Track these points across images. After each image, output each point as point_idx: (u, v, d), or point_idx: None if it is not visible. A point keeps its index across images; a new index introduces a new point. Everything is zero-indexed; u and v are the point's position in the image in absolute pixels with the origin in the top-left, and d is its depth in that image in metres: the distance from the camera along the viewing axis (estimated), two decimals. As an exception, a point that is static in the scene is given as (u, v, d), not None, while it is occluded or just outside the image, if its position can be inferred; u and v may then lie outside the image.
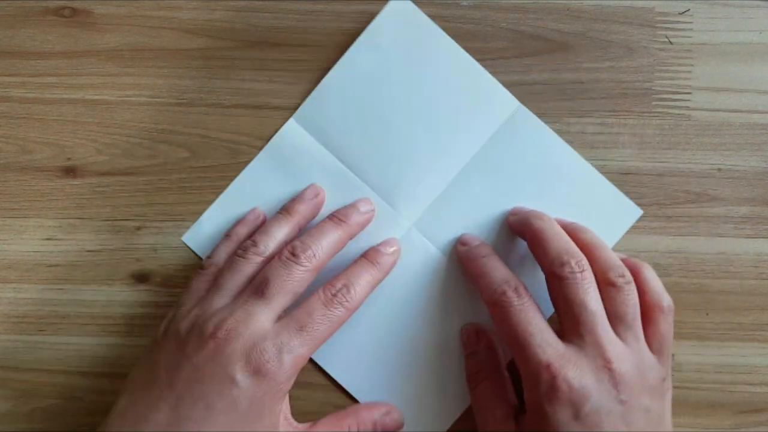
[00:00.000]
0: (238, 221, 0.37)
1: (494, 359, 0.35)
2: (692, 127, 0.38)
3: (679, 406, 0.36)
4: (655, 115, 0.38)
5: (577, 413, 0.29)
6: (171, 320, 0.32)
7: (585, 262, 0.32)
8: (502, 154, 0.37)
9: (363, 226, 0.36)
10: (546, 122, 0.38)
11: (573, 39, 0.38)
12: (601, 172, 0.38)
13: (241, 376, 0.29)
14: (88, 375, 0.37)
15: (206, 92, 0.38)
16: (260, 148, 0.38)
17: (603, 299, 0.32)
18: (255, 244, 0.34)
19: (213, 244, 0.37)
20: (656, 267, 0.37)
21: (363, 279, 0.33)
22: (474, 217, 0.37)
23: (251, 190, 0.37)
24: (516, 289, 0.32)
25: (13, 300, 0.37)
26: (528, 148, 0.37)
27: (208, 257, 0.35)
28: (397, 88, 0.37)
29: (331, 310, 0.32)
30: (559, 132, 0.38)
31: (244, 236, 0.36)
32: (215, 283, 0.33)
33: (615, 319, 0.32)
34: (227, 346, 0.30)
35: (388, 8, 0.37)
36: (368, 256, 0.35)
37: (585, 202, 0.37)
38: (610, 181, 0.37)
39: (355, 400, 0.36)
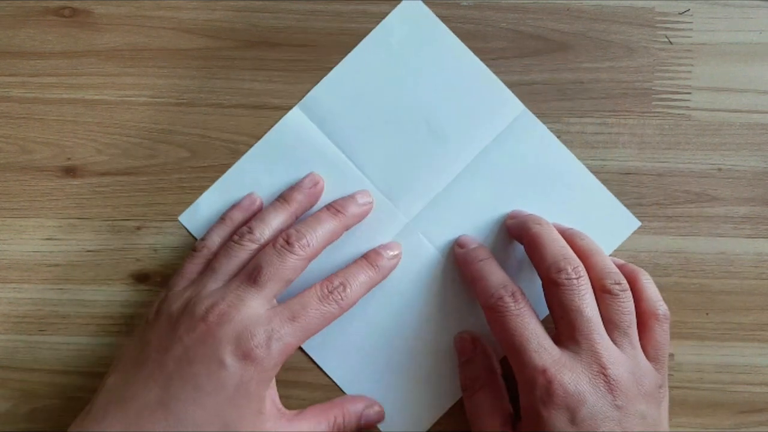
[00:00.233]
0: (234, 205, 0.37)
1: (490, 367, 0.35)
2: (692, 127, 0.38)
3: (679, 406, 0.36)
4: (655, 115, 0.38)
5: (573, 418, 0.29)
6: (163, 301, 0.33)
7: (581, 268, 0.32)
8: (504, 157, 0.37)
9: (360, 218, 0.36)
10: (546, 122, 0.38)
11: (573, 39, 0.38)
12: (601, 172, 0.38)
13: (231, 360, 0.30)
14: (88, 375, 0.37)
15: (206, 92, 0.38)
16: (260, 148, 0.38)
17: (599, 306, 0.32)
18: (251, 231, 0.34)
19: (209, 226, 0.37)
20: (656, 267, 0.37)
21: (360, 279, 0.34)
22: (472, 217, 0.37)
23: (251, 175, 0.37)
24: (513, 294, 0.32)
25: (13, 300, 0.37)
26: (530, 153, 0.37)
27: (201, 240, 0.36)
28: (404, 85, 0.37)
29: (325, 306, 0.32)
30: (559, 132, 0.38)
31: (238, 221, 0.36)
32: (209, 266, 0.34)
33: (610, 325, 0.32)
34: (218, 329, 0.30)
35: (400, 7, 0.38)
36: (369, 257, 0.35)
37: (584, 209, 0.37)
38: (610, 181, 0.37)
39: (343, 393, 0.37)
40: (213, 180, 0.38)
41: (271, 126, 0.38)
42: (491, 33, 0.38)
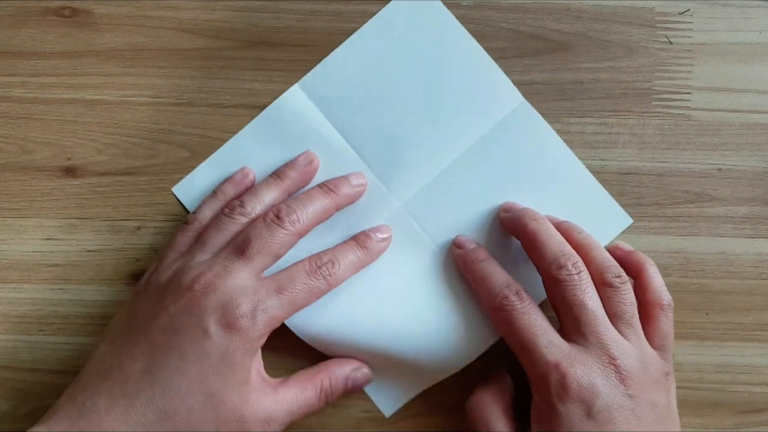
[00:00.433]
0: (227, 179, 0.37)
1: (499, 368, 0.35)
2: (692, 127, 0.38)
3: (679, 406, 0.36)
4: (655, 115, 0.38)
5: (588, 411, 0.29)
6: (153, 272, 0.33)
7: (581, 263, 0.32)
8: (499, 147, 0.37)
9: (352, 198, 0.36)
10: (546, 122, 0.38)
11: (573, 39, 0.38)
12: (601, 172, 0.38)
13: (215, 329, 0.30)
14: (88, 375, 0.37)
15: (206, 92, 0.38)
16: (260, 148, 0.38)
17: (601, 299, 0.32)
18: (242, 205, 0.34)
19: (202, 199, 0.37)
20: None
21: (349, 258, 0.34)
22: (464, 205, 0.37)
23: (247, 150, 0.37)
24: (518, 293, 0.33)
25: (13, 300, 0.37)
26: (526, 144, 0.37)
27: (193, 213, 0.36)
28: (404, 69, 0.37)
29: (312, 280, 0.32)
30: (559, 132, 0.38)
31: (231, 195, 0.36)
32: (199, 239, 0.34)
33: (614, 317, 0.32)
34: (204, 298, 0.30)
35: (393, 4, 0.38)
36: (358, 239, 0.35)
37: (576, 204, 0.37)
38: (610, 181, 0.37)
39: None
40: (213, 180, 0.38)
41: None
42: (491, 33, 0.38)
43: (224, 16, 0.39)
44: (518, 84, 0.38)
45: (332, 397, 0.34)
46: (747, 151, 0.38)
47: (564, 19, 0.39)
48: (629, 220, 0.37)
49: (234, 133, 0.38)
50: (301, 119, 0.37)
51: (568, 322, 0.32)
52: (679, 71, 0.38)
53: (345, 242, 0.35)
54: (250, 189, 0.36)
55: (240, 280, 0.31)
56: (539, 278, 0.34)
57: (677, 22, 0.39)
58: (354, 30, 0.38)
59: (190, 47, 0.38)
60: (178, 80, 0.38)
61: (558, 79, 0.38)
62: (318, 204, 0.34)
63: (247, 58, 0.38)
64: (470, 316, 0.35)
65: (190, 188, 0.37)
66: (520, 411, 0.33)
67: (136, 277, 0.37)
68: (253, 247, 0.32)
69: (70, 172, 0.38)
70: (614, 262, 0.33)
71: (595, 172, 0.37)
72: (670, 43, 0.38)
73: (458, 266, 0.36)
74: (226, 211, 0.34)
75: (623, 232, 0.37)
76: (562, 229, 0.35)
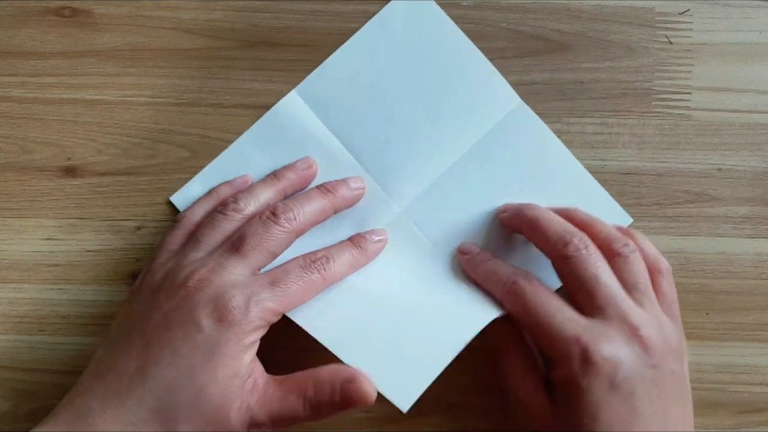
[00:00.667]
0: (224, 182, 0.37)
1: (515, 329, 0.34)
2: (692, 127, 0.38)
3: (679, 406, 0.36)
4: (655, 115, 0.38)
5: (612, 383, 0.29)
6: (146, 273, 0.33)
7: (587, 238, 0.32)
8: (498, 149, 0.37)
9: (350, 201, 0.36)
10: (546, 122, 0.38)
11: (573, 39, 0.38)
12: (601, 172, 0.38)
13: (207, 322, 0.29)
14: (88, 375, 0.37)
15: (206, 92, 0.38)
16: (260, 148, 0.38)
17: (612, 271, 0.32)
18: (236, 201, 0.34)
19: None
20: (656, 267, 0.37)
21: (344, 256, 0.34)
22: (465, 208, 0.37)
23: (245, 158, 0.37)
24: (526, 276, 0.33)
25: (13, 300, 0.37)
26: (524, 146, 0.37)
27: (184, 212, 0.35)
28: (402, 74, 0.37)
29: (307, 273, 0.32)
30: (559, 132, 0.38)
31: (224, 195, 0.36)
32: (192, 236, 0.33)
33: (628, 287, 0.32)
34: (197, 293, 0.30)
35: (392, 5, 0.38)
36: (353, 240, 0.35)
37: (576, 204, 0.37)
38: (610, 181, 0.37)
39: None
40: (213, 180, 0.38)
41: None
42: (491, 33, 0.38)
43: (224, 16, 0.39)
44: (518, 84, 0.38)
45: (318, 407, 0.30)
46: (747, 151, 0.38)
47: (564, 19, 0.39)
48: (629, 220, 0.37)
49: (234, 133, 0.38)
50: (299, 125, 0.37)
51: (584, 298, 0.31)
52: (679, 71, 0.38)
53: (340, 242, 0.35)
54: (245, 188, 0.36)
55: (234, 276, 0.31)
56: (546, 276, 0.34)
57: (677, 22, 0.39)
58: (354, 30, 0.38)
59: (190, 47, 0.38)
60: (178, 80, 0.38)
61: (558, 79, 0.38)
62: (315, 204, 0.34)
63: (247, 58, 0.38)
64: (474, 295, 0.35)
65: (187, 197, 0.37)
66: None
67: (136, 277, 0.37)
68: (248, 244, 0.32)
69: (70, 172, 0.38)
70: (619, 234, 0.33)
71: (595, 172, 0.37)
72: (670, 43, 0.38)
73: (466, 272, 0.36)
74: (220, 208, 0.34)
75: (623, 232, 0.37)
76: (562, 215, 0.34)
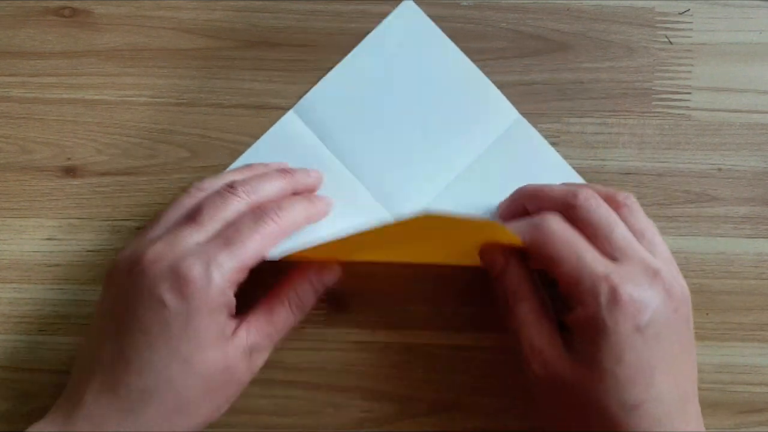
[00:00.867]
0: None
1: (529, 275, 0.33)
2: (692, 127, 0.38)
3: (679, 406, 0.36)
4: (655, 115, 0.38)
5: (638, 325, 0.29)
6: (111, 261, 0.33)
7: (592, 191, 0.32)
8: (497, 164, 0.37)
9: (308, 186, 0.35)
10: (546, 122, 0.38)
11: (573, 39, 0.38)
12: (601, 172, 0.38)
13: (169, 296, 0.29)
14: (88, 375, 0.37)
15: (206, 92, 0.38)
16: (260, 148, 0.38)
17: None
18: (200, 182, 0.34)
19: None
20: (656, 267, 0.37)
21: (295, 205, 0.33)
22: None
23: None
24: (554, 215, 0.32)
25: (13, 300, 0.37)
26: (524, 160, 0.37)
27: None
28: (399, 91, 0.37)
29: (259, 224, 0.31)
30: (559, 132, 0.38)
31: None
32: (154, 217, 0.33)
33: (637, 236, 0.32)
34: (153, 267, 0.29)
35: (397, 12, 0.38)
36: (304, 195, 0.35)
37: None
38: (610, 181, 0.37)
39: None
40: (213, 180, 0.38)
41: (271, 126, 0.38)
42: (491, 33, 0.38)
43: (224, 16, 0.39)
44: (518, 84, 0.38)
45: (305, 306, 0.33)
46: (747, 151, 0.38)
47: (564, 19, 0.39)
48: None
49: (234, 132, 0.38)
50: (298, 145, 0.37)
51: (601, 243, 0.31)
52: (679, 71, 0.38)
53: (291, 197, 0.34)
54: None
55: (189, 244, 0.30)
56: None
57: (677, 22, 0.39)
58: (354, 30, 0.38)
59: (190, 47, 0.38)
60: (178, 80, 0.38)
61: (558, 79, 0.38)
62: (274, 182, 0.33)
63: (247, 58, 0.38)
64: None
65: None
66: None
67: (136, 277, 0.37)
68: (204, 214, 0.31)
69: (70, 172, 0.38)
70: (614, 189, 0.33)
71: (595, 172, 0.38)
72: (670, 43, 0.38)
73: (501, 217, 0.35)
74: (186, 190, 0.34)
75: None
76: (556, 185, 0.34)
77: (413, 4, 0.38)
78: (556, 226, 0.31)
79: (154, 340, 0.29)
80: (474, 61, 0.38)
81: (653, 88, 0.38)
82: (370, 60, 0.38)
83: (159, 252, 0.30)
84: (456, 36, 0.38)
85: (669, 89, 0.38)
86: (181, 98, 0.38)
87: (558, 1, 0.39)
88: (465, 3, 0.39)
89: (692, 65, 0.38)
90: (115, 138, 0.38)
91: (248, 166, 0.36)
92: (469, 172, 0.37)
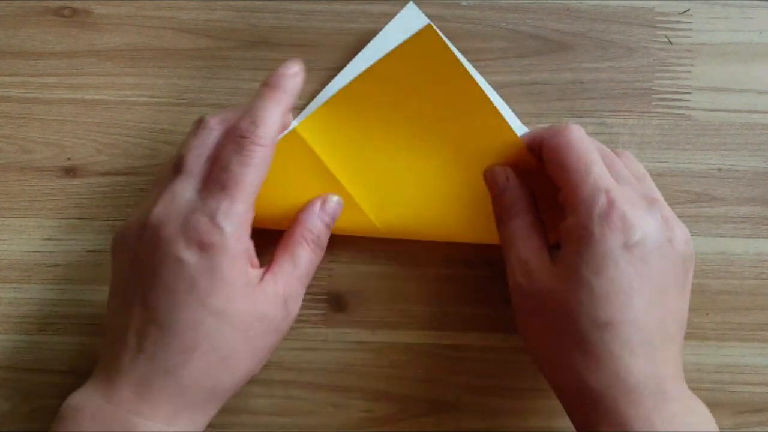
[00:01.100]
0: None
1: (527, 194, 0.34)
2: (692, 127, 0.38)
3: (679, 406, 0.36)
4: (655, 115, 0.38)
5: (626, 242, 0.29)
6: (116, 231, 0.32)
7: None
8: None
9: (289, 91, 0.32)
10: (546, 122, 0.38)
11: (573, 39, 0.38)
12: (601, 172, 0.38)
13: (188, 254, 0.28)
14: (88, 375, 0.36)
15: (206, 92, 0.38)
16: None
17: None
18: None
19: None
20: (656, 267, 0.37)
21: (269, 109, 0.30)
22: None
23: None
24: (578, 126, 0.32)
25: (13, 300, 0.37)
26: None
27: None
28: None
29: (246, 156, 0.29)
30: (559, 132, 0.38)
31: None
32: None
33: (637, 178, 0.33)
34: (161, 230, 0.29)
35: (399, 17, 0.37)
36: (269, 82, 0.31)
37: None
38: (610, 181, 0.38)
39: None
40: (213, 180, 0.38)
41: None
42: (491, 33, 0.38)
43: (224, 16, 0.39)
44: (518, 84, 0.38)
45: (321, 241, 0.33)
46: (747, 151, 0.38)
47: (564, 19, 0.39)
48: None
49: (234, 133, 0.38)
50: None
51: (608, 167, 0.32)
52: (679, 71, 0.38)
53: (257, 93, 0.31)
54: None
55: (184, 198, 0.29)
56: None
57: (677, 22, 0.39)
58: (354, 30, 0.38)
59: (190, 47, 0.38)
60: (178, 80, 0.38)
61: (558, 79, 0.38)
62: (240, 107, 0.32)
63: (247, 58, 0.38)
64: None
65: None
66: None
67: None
68: (186, 160, 0.30)
69: (70, 172, 0.38)
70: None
71: (595, 172, 0.38)
72: (670, 43, 0.38)
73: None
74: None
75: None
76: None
77: (415, 6, 0.38)
78: (577, 134, 0.31)
79: (182, 298, 0.29)
80: (474, 61, 0.38)
81: (653, 88, 0.38)
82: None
83: (161, 214, 0.29)
84: (456, 36, 0.38)
85: (669, 89, 0.38)
86: (181, 98, 0.38)
87: (558, 1, 0.39)
88: (465, 3, 0.39)
89: (692, 65, 0.38)
90: (115, 138, 0.38)
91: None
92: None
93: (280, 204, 0.34)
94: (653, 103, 0.38)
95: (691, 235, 0.37)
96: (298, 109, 0.38)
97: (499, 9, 0.39)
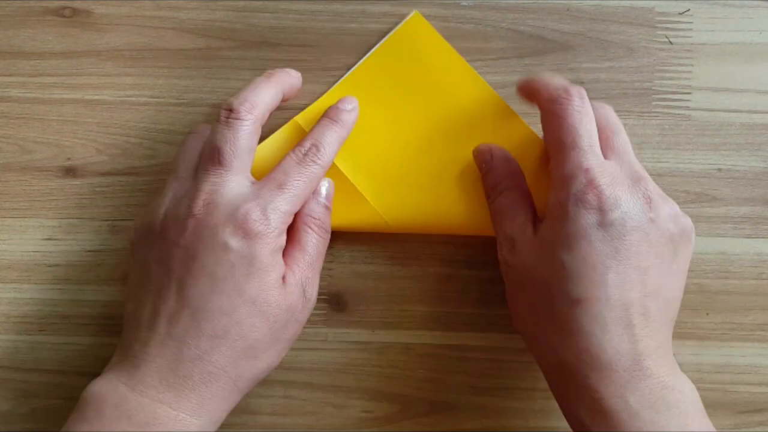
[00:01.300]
0: None
1: (513, 171, 0.34)
2: (692, 127, 0.38)
3: (679, 406, 0.36)
4: (655, 115, 0.38)
5: (602, 220, 0.29)
6: (140, 223, 0.33)
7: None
8: None
9: (293, 86, 0.35)
10: (546, 122, 0.38)
11: (573, 39, 0.38)
12: (601, 172, 0.38)
13: (233, 241, 0.30)
14: (88, 375, 0.36)
15: (206, 92, 0.38)
16: (260, 148, 0.38)
17: None
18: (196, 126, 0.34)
19: None
20: (656, 267, 0.37)
21: (329, 137, 0.33)
22: None
23: None
24: (579, 92, 0.32)
25: (13, 300, 0.37)
26: None
27: None
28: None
29: (305, 167, 0.32)
30: (559, 132, 0.38)
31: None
32: (169, 172, 0.33)
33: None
34: (209, 218, 0.30)
35: (405, 24, 0.37)
36: (329, 115, 0.35)
37: None
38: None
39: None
40: (213, 180, 0.38)
41: (271, 126, 0.38)
42: (491, 33, 0.38)
43: (224, 16, 0.39)
44: (518, 84, 0.38)
45: (324, 223, 0.34)
46: (747, 151, 0.38)
47: (564, 19, 0.39)
48: None
49: (234, 133, 0.38)
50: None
51: (605, 139, 0.32)
52: (679, 71, 0.38)
53: (318, 123, 0.34)
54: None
55: (236, 189, 0.31)
56: None
57: (677, 22, 0.39)
58: (354, 30, 0.38)
59: (190, 47, 0.38)
60: (178, 80, 0.38)
61: (558, 79, 0.38)
62: (267, 91, 0.33)
63: (247, 58, 0.38)
64: None
65: None
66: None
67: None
68: (225, 153, 0.31)
69: (70, 172, 0.38)
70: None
71: (595, 172, 0.37)
72: (670, 43, 0.38)
73: (519, 93, 0.35)
74: (186, 136, 0.34)
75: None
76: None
77: (420, 16, 0.37)
78: (573, 106, 0.31)
79: (220, 284, 0.29)
80: (474, 61, 0.38)
81: (653, 88, 0.38)
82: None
83: (207, 202, 0.30)
84: (456, 36, 0.38)
85: (669, 89, 0.38)
86: (181, 98, 0.38)
87: (558, 1, 0.39)
88: (465, 3, 0.39)
89: (692, 65, 0.38)
90: (115, 138, 0.38)
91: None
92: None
93: None
94: (653, 103, 0.38)
95: (691, 235, 0.37)
96: (299, 109, 0.37)
97: (499, 9, 0.39)
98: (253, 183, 0.32)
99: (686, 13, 0.39)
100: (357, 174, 0.36)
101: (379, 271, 0.37)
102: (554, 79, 0.33)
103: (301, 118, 0.36)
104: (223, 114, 0.32)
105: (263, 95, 0.33)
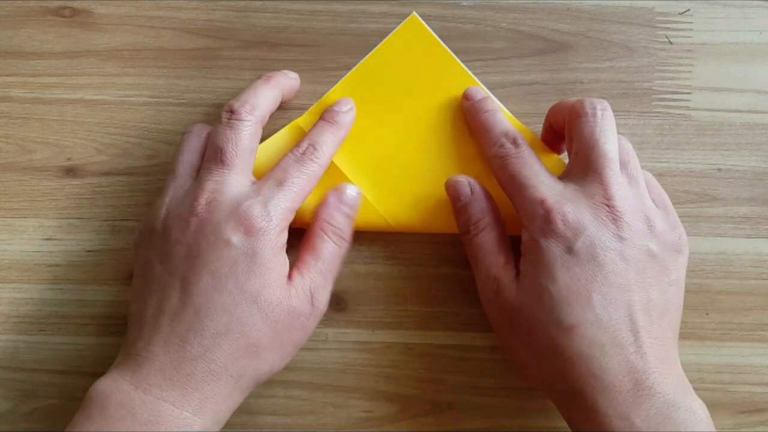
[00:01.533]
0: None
1: (494, 208, 0.34)
2: (692, 127, 0.38)
3: (679, 406, 0.36)
4: (655, 115, 0.38)
5: (570, 247, 0.30)
6: (144, 224, 0.33)
7: (605, 103, 0.33)
8: None
9: (292, 87, 0.37)
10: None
11: (573, 39, 0.38)
12: (601, 172, 0.38)
13: (236, 237, 0.30)
14: (88, 375, 0.37)
15: (206, 92, 0.38)
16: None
17: None
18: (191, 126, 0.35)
19: None
20: (656, 267, 0.37)
21: (325, 137, 0.34)
22: None
23: None
24: (514, 140, 0.33)
25: (13, 300, 0.37)
26: None
27: None
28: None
29: (304, 166, 0.32)
30: (559, 132, 0.38)
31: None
32: (168, 173, 0.34)
33: (621, 164, 0.32)
34: (212, 215, 0.30)
35: (403, 27, 0.37)
36: (325, 117, 0.35)
37: None
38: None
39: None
40: (213, 180, 0.38)
41: (271, 126, 0.38)
42: (491, 33, 0.38)
43: (224, 16, 0.39)
44: (518, 84, 0.38)
45: (342, 230, 0.33)
46: (747, 151, 0.38)
47: (564, 19, 0.39)
48: None
49: (234, 133, 0.38)
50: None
51: (577, 160, 0.32)
52: (679, 71, 0.38)
53: (315, 125, 0.35)
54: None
55: (237, 188, 0.31)
56: None
57: (677, 22, 0.39)
58: (354, 30, 0.38)
59: (190, 47, 0.38)
60: (178, 80, 0.38)
61: (558, 79, 0.38)
62: (266, 93, 0.34)
63: (247, 58, 0.38)
64: None
65: None
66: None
67: (136, 277, 0.37)
68: (228, 153, 0.32)
69: (70, 172, 0.38)
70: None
71: (595, 172, 0.37)
72: (670, 43, 0.38)
73: (465, 119, 0.36)
74: (185, 134, 0.35)
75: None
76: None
77: (418, 18, 0.37)
78: (513, 152, 0.33)
79: (222, 281, 0.30)
80: (474, 61, 0.38)
81: (653, 88, 0.38)
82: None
83: (210, 200, 0.31)
84: (456, 36, 0.38)
85: (669, 89, 0.38)
86: (181, 98, 0.38)
87: (558, 1, 0.39)
88: (465, 3, 0.39)
89: (692, 65, 0.38)
90: (115, 138, 0.38)
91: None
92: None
93: None
94: (653, 103, 0.38)
95: (691, 235, 0.37)
96: (299, 109, 0.38)
97: (499, 9, 0.39)
98: (254, 182, 0.32)
99: (686, 13, 0.39)
100: (357, 174, 0.36)
101: (379, 271, 0.37)
102: (493, 129, 0.34)
103: (302, 121, 0.36)
104: (224, 116, 0.33)
105: (263, 97, 0.34)
